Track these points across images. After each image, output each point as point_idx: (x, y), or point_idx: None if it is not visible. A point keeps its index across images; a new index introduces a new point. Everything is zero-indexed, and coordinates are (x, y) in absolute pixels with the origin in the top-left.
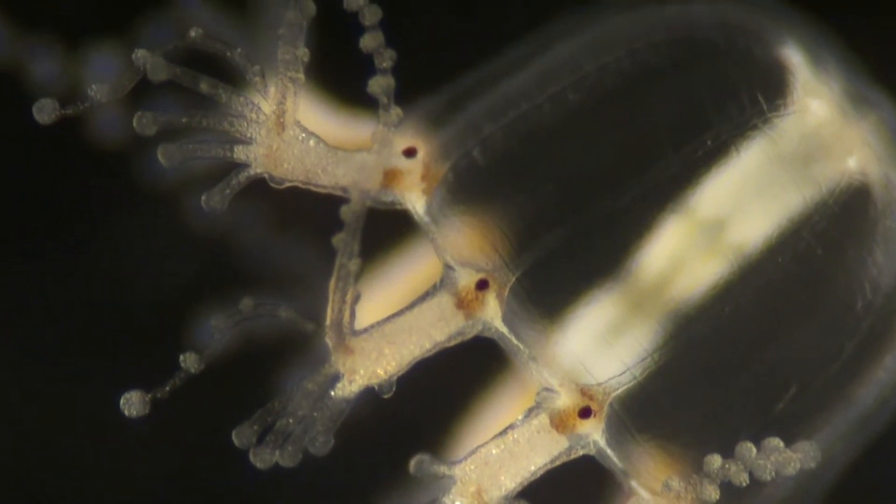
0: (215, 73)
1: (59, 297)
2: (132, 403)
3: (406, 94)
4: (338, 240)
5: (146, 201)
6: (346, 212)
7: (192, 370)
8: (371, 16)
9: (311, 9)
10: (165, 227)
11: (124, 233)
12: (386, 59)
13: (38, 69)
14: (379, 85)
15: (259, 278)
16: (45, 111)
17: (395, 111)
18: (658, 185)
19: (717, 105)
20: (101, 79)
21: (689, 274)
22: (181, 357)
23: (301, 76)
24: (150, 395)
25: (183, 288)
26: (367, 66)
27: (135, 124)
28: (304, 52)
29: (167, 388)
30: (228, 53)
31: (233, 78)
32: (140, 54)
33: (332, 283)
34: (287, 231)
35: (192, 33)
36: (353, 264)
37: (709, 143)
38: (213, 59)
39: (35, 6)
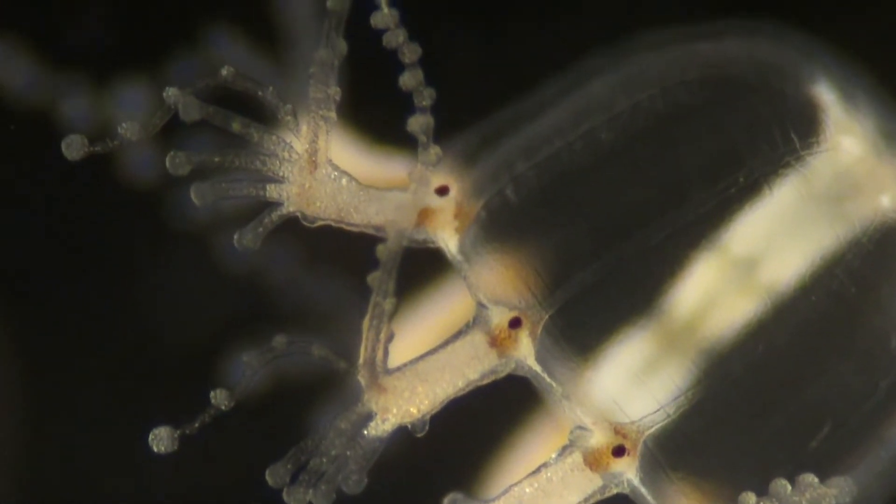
0: (245, 110)
1: (91, 333)
2: (161, 439)
3: (438, 132)
4: (373, 278)
5: (179, 239)
6: (382, 251)
7: (223, 407)
8: (411, 54)
9: (343, 48)
10: (198, 265)
11: (157, 271)
12: (425, 98)
13: (70, 108)
14: (418, 124)
15: (292, 316)
16: (73, 147)
17: (434, 150)
18: (691, 223)
19: (750, 143)
20: (132, 116)
21: (722, 312)
22: (212, 393)
23: (333, 115)
24: (178, 431)
25: (216, 326)
26: (398, 104)
27: (168, 164)
28: (335, 91)
29: (196, 425)
30: (260, 92)
31: (263, 115)
32: (171, 93)
33: (366, 321)
34: (319, 269)
35: (224, 72)
36: (388, 303)
37: (742, 180)
38: (243, 96)
39: (64, 45)
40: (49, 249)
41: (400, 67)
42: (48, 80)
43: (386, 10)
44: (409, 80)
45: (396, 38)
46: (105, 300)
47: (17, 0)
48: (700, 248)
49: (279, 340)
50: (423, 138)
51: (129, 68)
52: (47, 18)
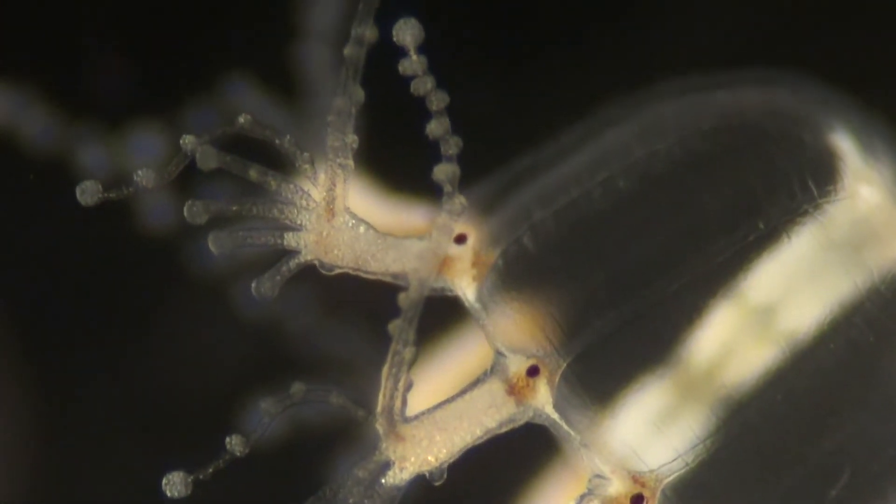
0: (262, 155)
1: (108, 380)
2: (174, 484)
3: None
4: (393, 326)
5: (196, 287)
6: (403, 299)
7: (238, 453)
8: (438, 101)
9: (360, 95)
10: (216, 312)
11: (174, 318)
12: (452, 147)
13: (87, 156)
14: (444, 172)
15: (310, 364)
16: (88, 194)
17: (459, 199)
18: (709, 271)
19: (768, 191)
20: (148, 163)
21: (740, 360)
22: (227, 439)
23: (350, 163)
24: (192, 477)
25: (233, 374)
26: (416, 152)
27: (185, 213)
28: (353, 139)
29: (210, 470)
30: (277, 140)
31: (280, 160)
32: (188, 140)
33: (385, 369)
34: (337, 317)
35: (241, 120)
36: (408, 352)
37: (760, 228)
38: (259, 142)
39: (81, 92)
40: (66, 297)
41: (419, 115)
42: (65, 128)
43: (414, 56)
44: (436, 128)
45: (424, 85)
46: (122, 347)
47: (33, 48)
48: (718, 296)
49: (297, 388)
50: (448, 187)
51: (145, 115)
52: (64, 66)
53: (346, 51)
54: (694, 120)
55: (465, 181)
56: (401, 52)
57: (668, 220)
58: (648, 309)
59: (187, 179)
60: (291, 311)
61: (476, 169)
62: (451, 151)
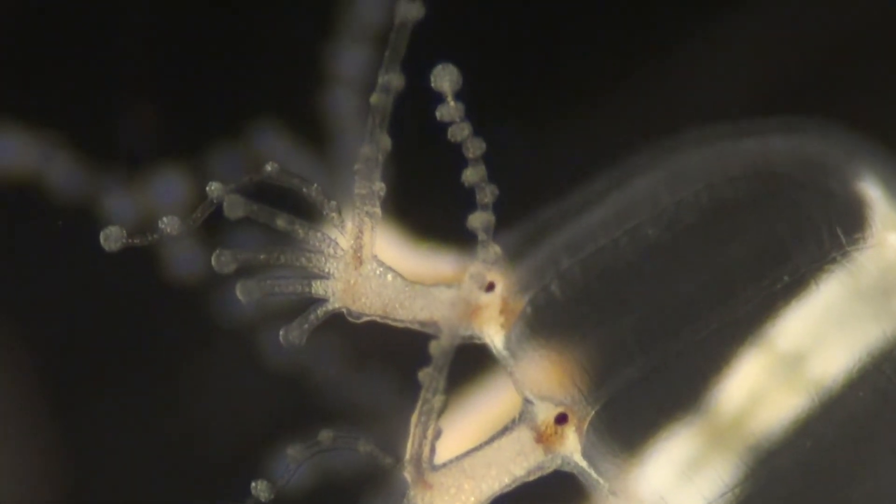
0: (285, 199)
1: (135, 429)
2: None
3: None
4: (424, 375)
5: (224, 335)
6: (434, 347)
7: (263, 499)
8: (475, 148)
9: (387, 143)
10: (243, 361)
11: (202, 367)
12: (488, 195)
13: (113, 202)
14: (479, 220)
15: (337, 412)
16: (111, 239)
17: (494, 248)
18: (737, 319)
19: (796, 239)
20: (173, 210)
21: (769, 408)
22: (252, 484)
23: (378, 210)
24: None
25: (261, 422)
26: (443, 200)
27: (213, 262)
28: (380, 187)
29: None
30: (304, 189)
31: (301, 204)
32: (214, 188)
33: (414, 417)
34: (365, 364)
35: (268, 168)
36: (438, 400)
37: (787, 276)
38: (283, 188)
39: (105, 139)
40: (93, 345)
41: (447, 162)
42: (91, 174)
43: (452, 103)
44: (472, 175)
45: (461, 131)
46: (149, 395)
47: (58, 94)
48: (746, 343)
49: (325, 435)
50: (483, 236)
51: (171, 161)
52: (89, 112)
53: (373, 98)
54: (722, 168)
55: (495, 228)
56: (437, 98)
57: (695, 268)
58: (677, 356)
59: (213, 226)
60: (319, 358)
61: (504, 216)
62: (486, 200)
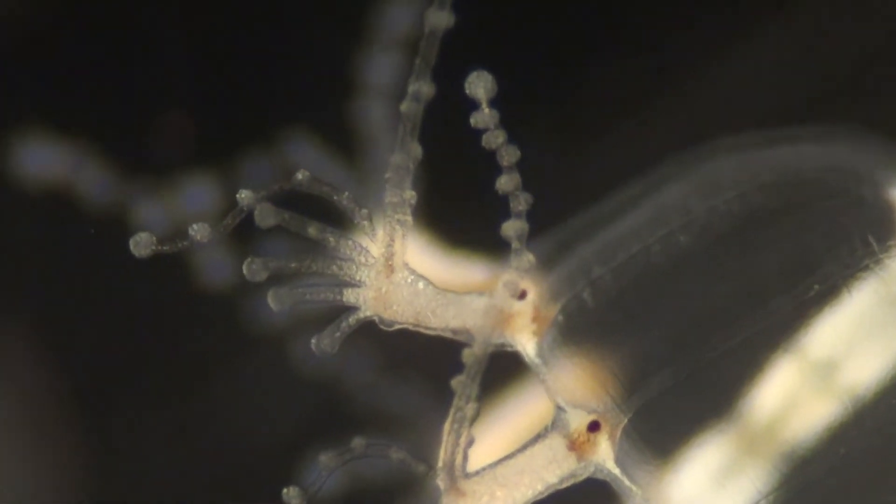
0: (315, 206)
1: (167, 437)
2: None
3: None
4: (457, 382)
5: (256, 343)
6: (468, 355)
7: None
8: (509, 156)
9: (418, 151)
10: (275, 369)
11: (233, 375)
12: (522, 203)
13: (144, 210)
14: (513, 229)
15: (370, 419)
16: (141, 245)
17: (527, 257)
18: (769, 326)
19: (828, 246)
20: (203, 217)
21: (802, 415)
22: (283, 490)
23: (409, 219)
24: None
25: (293, 430)
26: (474, 208)
27: (245, 271)
28: (411, 195)
29: None
30: (335, 197)
31: (332, 210)
32: (245, 195)
33: (446, 425)
34: (397, 372)
35: (300, 175)
36: (470, 408)
37: (820, 284)
38: (314, 195)
39: (136, 148)
40: (124, 354)
41: (481, 170)
42: (122, 182)
43: (486, 110)
44: (506, 183)
45: (496, 139)
46: (182, 404)
47: (88, 103)
48: (779, 350)
49: (357, 442)
50: (516, 244)
51: (202, 168)
52: (121, 120)
53: (403, 106)
54: (753, 176)
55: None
56: (468, 106)
57: (727, 275)
58: (709, 364)
59: (245, 233)
60: (352, 365)
61: (535, 224)
62: (520, 208)
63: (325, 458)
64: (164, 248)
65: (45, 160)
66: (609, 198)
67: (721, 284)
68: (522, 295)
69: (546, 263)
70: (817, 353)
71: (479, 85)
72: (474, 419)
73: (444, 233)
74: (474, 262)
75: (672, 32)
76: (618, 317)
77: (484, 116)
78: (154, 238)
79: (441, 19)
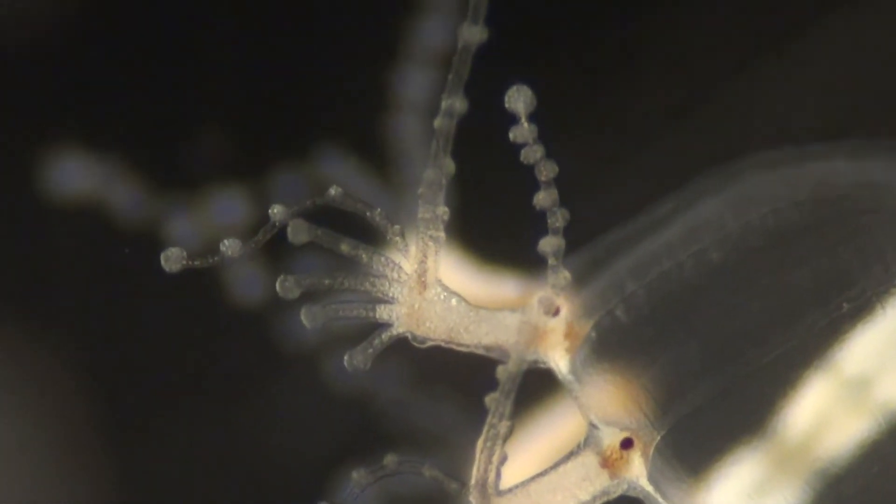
0: (347, 221)
1: (199, 453)
2: None
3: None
4: (490, 399)
5: (289, 360)
6: (502, 372)
7: None
8: (548, 171)
9: (451, 167)
10: (308, 386)
11: (266, 392)
12: (559, 219)
13: (176, 226)
14: (550, 245)
15: (402, 436)
16: (171, 260)
17: (564, 274)
18: (802, 343)
19: (862, 263)
20: (234, 231)
21: (835, 432)
22: None
23: (442, 235)
24: None
25: (326, 446)
26: (507, 224)
27: (278, 288)
28: (444, 211)
29: None
30: (368, 213)
31: (362, 226)
32: (277, 211)
33: (479, 442)
34: (430, 388)
35: (332, 192)
36: (504, 426)
37: (853, 300)
38: (345, 211)
39: (168, 163)
40: (158, 372)
41: (513, 186)
42: (155, 197)
43: (525, 124)
44: (544, 199)
45: (535, 154)
46: (214, 421)
47: (121, 118)
48: (812, 367)
49: (390, 459)
50: (553, 261)
51: (234, 183)
52: (154, 135)
53: (436, 122)
54: (787, 191)
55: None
56: (504, 120)
57: (761, 292)
58: (742, 380)
59: (277, 249)
60: (385, 382)
61: (568, 239)
62: (557, 224)
63: (358, 476)
64: (195, 263)
65: (78, 175)
66: (642, 213)
67: (754, 300)
68: (555, 311)
69: (579, 279)
70: (851, 370)
71: (519, 99)
72: (507, 437)
73: (477, 248)
74: (506, 277)
75: (706, 48)
76: (651, 333)
77: (523, 131)
78: (185, 253)
79: (474, 34)
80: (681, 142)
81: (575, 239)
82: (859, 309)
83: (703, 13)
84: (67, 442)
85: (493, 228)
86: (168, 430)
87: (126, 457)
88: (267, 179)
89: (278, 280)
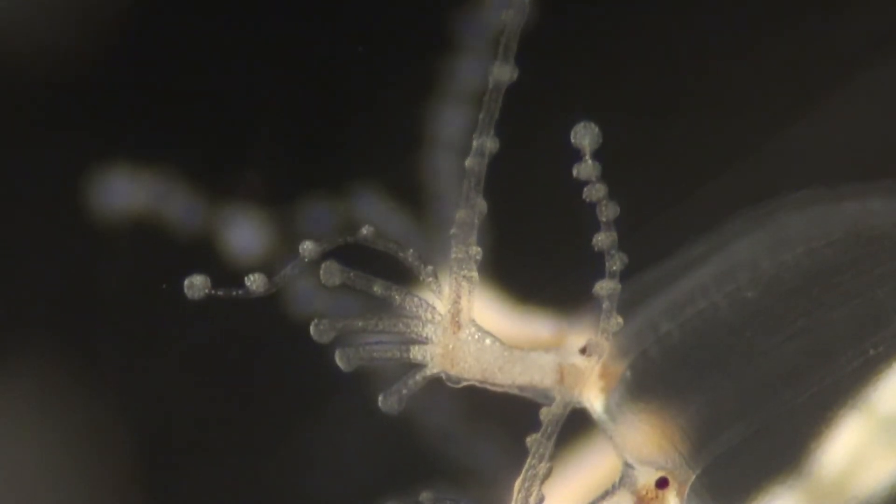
0: (378, 257)
1: (237, 483)
2: None
3: (581, 291)
4: (532, 440)
5: (330, 392)
6: (545, 414)
7: None
8: (609, 212)
9: (483, 207)
10: (349, 418)
11: (307, 423)
12: (617, 263)
13: (235, 237)
14: (606, 289)
15: (440, 471)
16: (195, 289)
17: (617, 319)
18: (837, 382)
19: None
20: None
21: (870, 471)
22: None
23: (475, 275)
24: None
25: (364, 481)
26: (540, 264)
27: (312, 332)
28: (476, 251)
29: None
30: (400, 254)
31: (393, 265)
32: (307, 246)
33: (518, 482)
34: (471, 425)
35: (365, 231)
36: (543, 467)
37: (889, 339)
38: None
39: (220, 177)
40: (195, 399)
41: (545, 225)
42: (206, 213)
43: (590, 161)
44: (603, 240)
45: (597, 192)
46: (255, 453)
47: (168, 135)
48: (846, 406)
49: (426, 496)
50: (607, 304)
51: (267, 215)
52: (203, 152)
53: (468, 162)
54: (822, 231)
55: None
56: (576, 156)
57: (795, 331)
58: (777, 420)
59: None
60: (429, 415)
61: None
62: (614, 268)
63: None
64: (218, 292)
65: (126, 193)
66: (677, 253)
67: (789, 341)
68: (591, 351)
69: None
70: (885, 409)
71: (586, 135)
72: (546, 477)
73: (510, 288)
74: (539, 317)
75: (740, 92)
76: (686, 373)
77: (587, 168)
78: (208, 281)
79: (504, 74)
80: (715, 182)
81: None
82: (894, 348)
83: (737, 60)
84: (99, 468)
85: (526, 268)
86: (206, 460)
87: (161, 483)
88: (301, 213)
89: (312, 323)
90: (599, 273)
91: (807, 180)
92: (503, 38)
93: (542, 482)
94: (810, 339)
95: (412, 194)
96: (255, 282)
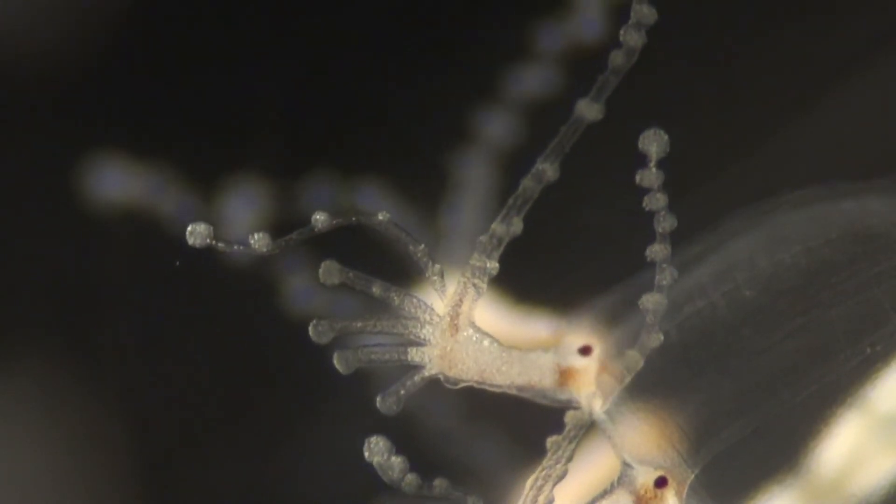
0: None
1: (236, 480)
2: None
3: (581, 291)
4: (552, 441)
5: (329, 392)
6: (570, 417)
7: None
8: (666, 224)
9: (518, 228)
10: (349, 415)
11: (307, 422)
12: (667, 277)
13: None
14: (652, 302)
15: (438, 473)
16: (197, 235)
17: (658, 336)
18: (835, 381)
19: (894, 300)
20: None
21: (868, 470)
22: None
23: (484, 287)
24: None
25: (362, 483)
26: (540, 265)
27: (311, 332)
28: (494, 267)
29: None
30: (412, 247)
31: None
32: (319, 217)
33: (530, 480)
34: (477, 424)
35: (381, 216)
36: (559, 469)
37: (887, 338)
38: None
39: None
40: (196, 399)
41: (544, 227)
42: (203, 209)
43: (654, 169)
44: (657, 252)
45: (657, 202)
46: (253, 449)
47: (164, 130)
48: (845, 405)
49: (440, 483)
50: (651, 318)
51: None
52: (204, 145)
53: (523, 182)
54: (820, 229)
55: (592, 292)
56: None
57: (793, 330)
58: (775, 419)
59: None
60: (431, 413)
61: (602, 279)
62: (665, 282)
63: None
64: (219, 245)
65: (123, 183)
66: (675, 252)
67: (787, 340)
68: (588, 351)
69: (612, 320)
70: (884, 408)
71: (654, 142)
72: (560, 480)
73: (509, 288)
74: (538, 317)
75: (738, 91)
76: (684, 372)
77: (650, 176)
78: (211, 231)
79: (591, 112)
80: (713, 182)
81: (608, 279)
82: (892, 346)
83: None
84: (99, 468)
85: (525, 268)
86: (206, 460)
87: (162, 484)
88: (300, 199)
89: (311, 324)
90: (600, 273)
91: (805, 179)
92: (603, 77)
93: (555, 483)
94: (808, 338)
95: (422, 193)
96: (258, 241)
